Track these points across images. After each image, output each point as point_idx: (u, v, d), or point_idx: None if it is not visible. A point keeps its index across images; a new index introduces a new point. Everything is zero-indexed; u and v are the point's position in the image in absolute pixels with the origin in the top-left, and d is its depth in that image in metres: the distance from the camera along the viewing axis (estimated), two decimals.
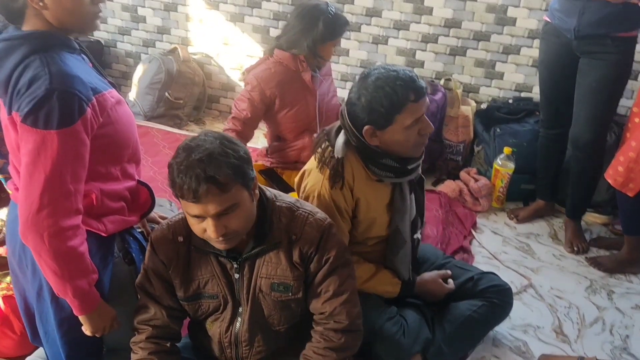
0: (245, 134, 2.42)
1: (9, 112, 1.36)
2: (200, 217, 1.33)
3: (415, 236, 1.89)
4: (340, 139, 1.71)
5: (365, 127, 1.64)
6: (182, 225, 1.50)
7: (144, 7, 3.75)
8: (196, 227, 1.37)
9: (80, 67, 1.43)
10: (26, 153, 1.34)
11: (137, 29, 3.85)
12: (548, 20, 2.53)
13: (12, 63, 1.35)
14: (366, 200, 1.77)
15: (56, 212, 1.34)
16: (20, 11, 1.37)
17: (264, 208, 1.47)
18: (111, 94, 1.49)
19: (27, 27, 1.38)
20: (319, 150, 1.76)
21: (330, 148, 1.72)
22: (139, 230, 1.78)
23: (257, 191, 1.43)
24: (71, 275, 1.40)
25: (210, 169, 1.27)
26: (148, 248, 1.55)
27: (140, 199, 1.67)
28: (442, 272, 2.03)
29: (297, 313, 1.56)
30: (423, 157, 1.77)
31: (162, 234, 1.51)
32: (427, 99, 1.65)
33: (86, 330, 1.52)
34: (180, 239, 1.49)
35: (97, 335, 1.53)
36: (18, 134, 1.36)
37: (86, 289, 1.44)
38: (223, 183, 1.28)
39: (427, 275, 2.00)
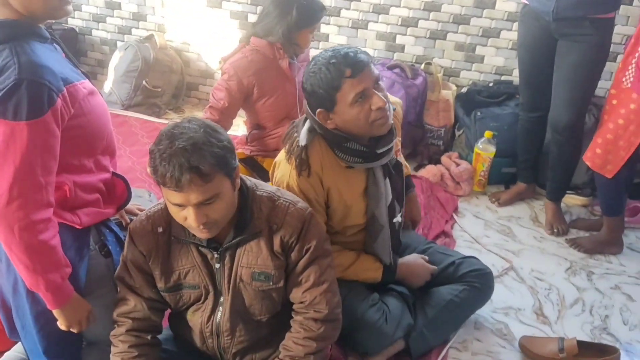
0: (224, 123, 2.38)
1: None
2: (182, 206, 1.32)
3: (394, 220, 1.87)
4: (305, 127, 1.71)
5: (317, 111, 1.65)
6: (161, 216, 1.48)
7: None
8: (177, 215, 1.36)
9: (51, 56, 1.40)
10: None
11: (112, 16, 3.78)
12: (526, 2, 2.52)
13: None
14: (337, 188, 1.75)
15: (26, 205, 1.32)
16: None
17: (245, 197, 1.46)
18: (83, 84, 1.46)
19: None
20: (288, 141, 1.75)
21: (297, 138, 1.72)
22: (116, 222, 1.76)
23: (238, 180, 1.42)
24: (43, 268, 1.38)
25: (194, 159, 1.25)
26: (127, 240, 1.53)
27: (117, 191, 1.65)
28: (425, 257, 2.03)
29: (278, 303, 1.55)
30: (394, 139, 1.75)
31: (141, 225, 1.49)
32: (372, 72, 1.62)
33: (61, 324, 1.50)
34: (160, 229, 1.48)
35: (72, 330, 1.51)
36: None
37: (59, 282, 1.42)
38: (206, 173, 1.27)
39: (409, 257, 2.00)
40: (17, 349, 1.76)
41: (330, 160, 1.73)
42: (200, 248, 1.47)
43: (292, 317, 1.55)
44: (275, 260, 1.47)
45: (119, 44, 3.78)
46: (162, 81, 3.56)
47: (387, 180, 1.81)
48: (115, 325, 1.57)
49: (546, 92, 2.60)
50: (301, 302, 1.52)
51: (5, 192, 1.30)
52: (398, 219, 1.91)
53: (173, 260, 1.49)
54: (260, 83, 2.37)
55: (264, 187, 1.52)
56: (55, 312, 1.47)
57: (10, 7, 1.34)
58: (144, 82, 3.46)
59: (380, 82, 1.66)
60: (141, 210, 1.96)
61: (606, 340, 2.11)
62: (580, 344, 1.96)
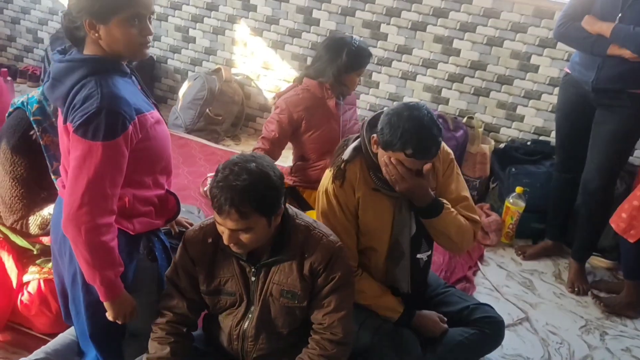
0: (274, 153, 2.64)
1: (65, 122, 1.60)
2: (221, 226, 1.57)
3: (418, 255, 2.01)
4: (352, 145, 1.93)
5: (373, 136, 1.83)
6: (212, 229, 1.70)
7: (194, 29, 4.06)
8: (219, 228, 1.60)
9: (128, 89, 1.64)
10: (74, 158, 1.57)
11: (187, 49, 4.16)
12: (568, 71, 2.68)
13: (71, 81, 1.58)
14: (367, 202, 1.92)
15: (93, 211, 1.55)
16: (82, 38, 1.60)
17: (285, 223, 1.68)
18: (152, 114, 1.69)
19: (86, 52, 1.61)
20: (337, 153, 1.98)
21: (344, 151, 1.94)
22: (165, 231, 2.00)
23: (278, 219, 1.64)
24: (101, 265, 1.60)
25: (237, 199, 1.49)
26: (180, 245, 1.76)
27: (168, 206, 1.87)
28: (441, 316, 2.12)
29: (299, 320, 1.75)
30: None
31: (195, 234, 1.74)
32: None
33: (109, 315, 1.71)
34: (210, 240, 1.71)
35: (117, 321, 1.73)
36: (69, 140, 1.60)
37: (112, 278, 1.64)
38: (244, 212, 1.50)
39: (427, 312, 2.10)
40: (70, 331, 2.01)
41: (364, 178, 1.91)
42: (240, 261, 1.70)
43: (310, 335, 1.74)
44: (303, 282, 1.68)
45: (190, 73, 4.15)
46: (224, 110, 3.88)
47: (412, 213, 1.95)
48: (159, 316, 1.80)
49: (580, 156, 2.74)
50: (320, 324, 1.71)
51: (78, 199, 1.55)
52: (423, 256, 2.03)
53: (217, 268, 1.72)
54: (308, 117, 2.61)
55: (303, 217, 1.74)
56: (106, 304, 1.69)
57: (99, 46, 1.60)
58: (207, 110, 3.79)
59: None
60: (190, 223, 2.22)
61: None
62: None
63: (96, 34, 1.57)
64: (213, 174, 3.16)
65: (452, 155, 2.04)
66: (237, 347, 1.78)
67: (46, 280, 2.09)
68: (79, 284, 1.75)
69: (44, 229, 2.13)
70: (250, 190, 1.50)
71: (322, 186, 1.96)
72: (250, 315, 1.72)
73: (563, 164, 2.87)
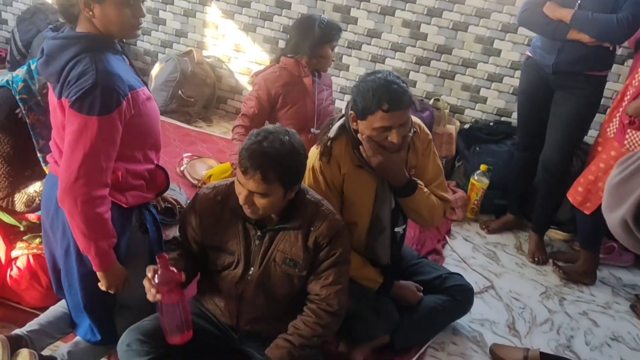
0: (252, 129, 2.72)
1: (59, 97, 1.63)
2: (240, 185, 1.66)
3: (396, 229, 2.14)
4: (338, 123, 2.02)
5: (351, 112, 1.93)
6: (224, 189, 1.82)
7: (165, 10, 4.06)
8: (237, 188, 1.69)
9: (121, 66, 1.70)
10: (70, 132, 1.61)
11: (157, 31, 4.15)
12: (530, 55, 2.84)
13: (66, 57, 1.62)
14: (351, 178, 2.02)
15: (89, 183, 1.61)
16: (76, 16, 1.65)
17: (297, 197, 1.77)
18: (143, 91, 1.75)
19: (80, 29, 1.65)
20: (323, 131, 2.08)
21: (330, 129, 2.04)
22: (154, 205, 2.07)
23: (293, 194, 1.74)
24: (96, 236, 1.66)
25: (265, 163, 1.59)
26: (190, 202, 1.87)
27: (158, 180, 1.94)
28: (418, 285, 2.28)
29: (296, 289, 1.84)
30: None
31: (206, 191, 1.84)
32: (405, 115, 1.85)
33: (102, 285, 1.78)
34: (219, 198, 1.81)
35: (110, 291, 1.79)
36: (64, 116, 1.64)
37: (106, 249, 1.70)
38: (267, 177, 1.60)
39: (404, 282, 2.26)
40: (62, 304, 2.05)
41: (349, 155, 2.01)
42: (247, 224, 1.79)
43: (306, 304, 1.84)
44: (306, 253, 1.77)
45: (160, 55, 4.15)
46: (196, 92, 3.92)
47: (391, 189, 2.05)
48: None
49: (540, 135, 2.92)
50: (317, 295, 1.81)
51: (74, 172, 1.60)
52: (400, 229, 2.17)
53: (222, 225, 1.80)
54: (285, 94, 2.72)
55: (313, 194, 1.85)
56: (99, 275, 1.76)
57: (92, 24, 1.65)
58: (179, 92, 3.82)
59: (409, 123, 1.90)
60: (175, 200, 2.29)
61: (568, 356, 2.39)
62: (543, 355, 2.24)
63: (90, 12, 1.61)
64: (189, 154, 3.23)
65: (431, 137, 2.16)
66: (233, 307, 1.86)
67: (35, 256, 2.12)
68: (72, 256, 1.80)
69: (30, 206, 2.16)
70: (279, 159, 1.61)
71: (309, 163, 2.04)
72: (249, 277, 1.80)
73: (524, 144, 3.04)
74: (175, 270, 1.66)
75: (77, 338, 1.97)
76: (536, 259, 3.00)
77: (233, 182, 1.82)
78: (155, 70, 3.91)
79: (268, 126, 1.69)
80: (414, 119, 2.14)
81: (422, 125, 2.15)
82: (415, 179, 2.05)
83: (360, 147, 1.95)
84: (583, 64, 2.64)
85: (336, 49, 3.64)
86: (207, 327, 1.92)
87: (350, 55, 3.70)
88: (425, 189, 2.07)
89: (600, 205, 2.60)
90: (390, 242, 2.14)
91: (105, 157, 1.64)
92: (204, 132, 3.77)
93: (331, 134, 2.01)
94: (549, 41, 2.69)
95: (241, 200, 1.67)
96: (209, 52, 4.07)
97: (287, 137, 1.64)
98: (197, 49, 4.01)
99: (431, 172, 2.14)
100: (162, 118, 3.75)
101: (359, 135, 1.95)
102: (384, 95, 1.80)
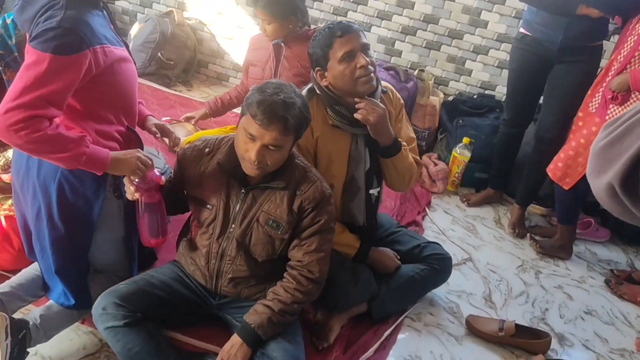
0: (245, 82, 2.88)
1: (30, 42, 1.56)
2: (253, 139, 1.62)
3: (370, 191, 2.12)
4: (307, 87, 2.03)
5: (315, 69, 1.95)
6: (214, 143, 1.81)
7: None
8: (243, 143, 1.64)
9: (96, 20, 1.61)
10: (22, 65, 1.54)
11: None
12: (526, 33, 2.76)
13: (40, 3, 1.55)
14: (325, 140, 2.01)
15: (24, 111, 1.49)
16: None
17: (287, 159, 1.75)
18: (120, 50, 1.69)
19: None
20: None
21: None
22: None
23: (293, 150, 1.74)
24: (64, 150, 1.56)
25: (288, 114, 1.59)
26: (181, 151, 1.85)
27: (131, 144, 1.87)
28: (395, 253, 2.28)
29: (277, 251, 1.82)
30: None
31: (196, 144, 1.83)
32: (361, 38, 1.89)
33: (125, 175, 1.71)
34: (207, 150, 1.80)
35: (135, 179, 1.71)
36: None
37: (87, 151, 1.60)
38: (287, 128, 1.60)
39: (382, 248, 2.26)
40: (34, 267, 1.99)
41: (322, 116, 2.00)
42: (231, 180, 1.76)
43: (287, 270, 1.82)
44: (290, 216, 1.75)
45: (139, 15, 4.02)
46: (176, 55, 3.82)
47: (367, 150, 2.05)
48: None
49: (529, 111, 2.93)
50: (299, 261, 1.79)
51: (7, 102, 1.50)
52: (374, 192, 2.15)
53: (206, 178, 1.78)
54: (252, 51, 2.81)
55: (302, 159, 1.83)
56: (111, 171, 1.69)
57: None
58: (159, 54, 3.72)
59: (369, 51, 1.92)
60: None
61: (542, 328, 2.42)
62: (518, 327, 2.27)
63: None
64: (168, 118, 3.16)
65: (402, 101, 2.17)
66: (214, 265, 1.83)
67: (7, 217, 2.05)
68: (43, 219, 1.75)
69: (7, 170, 2.09)
70: (298, 108, 1.61)
71: None
72: (230, 235, 1.78)
73: (513, 120, 3.01)
74: (157, 173, 1.69)
75: (50, 302, 1.92)
76: (517, 231, 3.02)
77: (224, 138, 1.80)
78: (133, 30, 3.79)
79: (271, 80, 1.67)
80: (386, 83, 2.15)
81: (394, 89, 2.17)
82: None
83: (335, 107, 1.97)
84: (588, 37, 2.62)
85: (320, 15, 3.60)
86: (184, 293, 1.89)
87: None
88: (406, 146, 2.09)
89: (579, 181, 2.69)
90: (365, 204, 2.13)
91: (45, 98, 1.52)
92: (183, 96, 3.69)
93: None
94: (551, 17, 2.63)
95: (253, 156, 1.62)
96: (190, 14, 3.96)
97: (294, 90, 1.65)
98: (178, 9, 3.89)
99: (404, 136, 2.14)
100: (140, 80, 3.63)
101: (334, 75, 1.92)
102: (334, 26, 1.90)
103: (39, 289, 1.97)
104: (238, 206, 1.77)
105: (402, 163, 2.06)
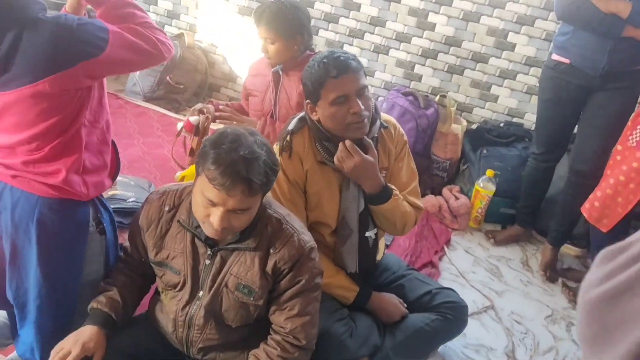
0: (245, 108, 2.62)
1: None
2: (213, 204, 1.38)
3: (366, 234, 1.90)
4: (297, 116, 1.85)
5: (306, 101, 1.78)
6: (173, 197, 1.57)
7: None
8: (202, 209, 1.41)
9: None
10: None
11: (148, 11, 3.88)
12: (564, 60, 2.49)
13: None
14: (314, 176, 1.82)
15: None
16: None
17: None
18: None
19: None
20: (284, 126, 1.89)
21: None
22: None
23: (266, 197, 1.51)
24: None
25: (252, 173, 1.34)
26: (140, 208, 1.63)
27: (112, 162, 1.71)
28: (400, 300, 2.03)
29: (253, 316, 1.59)
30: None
31: (156, 197, 1.60)
32: (358, 79, 1.70)
33: None
34: (166, 208, 1.56)
35: None
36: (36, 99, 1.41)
37: None
38: (254, 189, 1.36)
39: (386, 294, 2.02)
40: (1, 312, 1.83)
41: (311, 150, 1.81)
42: (196, 240, 1.53)
43: (270, 333, 1.59)
44: (263, 279, 1.51)
45: None
46: (186, 79, 3.67)
47: (360, 190, 1.83)
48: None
49: (563, 146, 2.67)
50: (281, 327, 1.55)
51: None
52: (371, 234, 1.92)
53: (168, 239, 1.56)
54: (251, 80, 2.55)
55: (276, 209, 1.57)
56: None
57: None
58: (168, 78, 3.57)
59: (366, 91, 1.73)
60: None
61: None
62: None
63: None
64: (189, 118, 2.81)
65: (406, 138, 1.97)
66: (181, 334, 1.61)
67: None
68: (22, 263, 1.59)
69: None
70: (263, 163, 1.36)
71: None
72: (198, 302, 1.56)
73: (545, 154, 2.73)
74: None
75: (14, 355, 1.74)
76: (548, 274, 2.72)
77: (185, 189, 1.56)
78: None
79: (222, 129, 1.42)
80: (390, 117, 1.94)
81: (397, 125, 1.96)
82: (390, 184, 1.85)
83: (324, 143, 1.78)
84: (633, 61, 2.36)
85: (337, 37, 3.40)
86: (157, 349, 1.67)
87: (351, 45, 3.42)
88: (400, 195, 1.87)
89: (618, 222, 2.39)
90: (358, 248, 1.91)
91: None
92: None
93: (290, 126, 1.83)
94: (594, 40, 2.36)
95: (217, 224, 1.38)
96: (202, 36, 3.82)
97: (256, 137, 1.40)
98: (189, 32, 3.76)
99: (404, 176, 1.94)
100: (147, 105, 3.53)
101: (322, 114, 1.76)
102: (329, 63, 1.69)
103: (4, 337, 1.82)
104: (205, 270, 1.54)
105: (392, 212, 1.84)
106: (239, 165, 1.32)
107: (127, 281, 1.65)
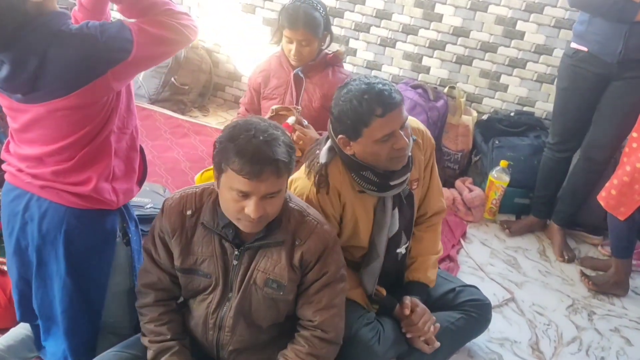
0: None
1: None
2: (246, 195, 1.37)
3: (397, 250, 1.89)
4: (326, 145, 1.75)
5: (339, 137, 1.67)
6: (193, 200, 1.54)
7: None
8: (234, 204, 1.39)
9: None
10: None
11: None
12: (582, 48, 2.47)
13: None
14: (352, 206, 1.79)
15: None
16: None
17: None
18: None
19: None
20: (310, 157, 1.79)
21: (318, 154, 1.76)
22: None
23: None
24: None
25: (277, 154, 1.35)
26: (159, 213, 1.58)
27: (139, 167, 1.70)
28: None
29: (283, 314, 1.58)
30: (409, 172, 1.76)
31: (174, 203, 1.55)
32: (403, 114, 1.63)
33: None
34: (189, 212, 1.53)
35: None
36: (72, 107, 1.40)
37: None
38: (282, 167, 1.37)
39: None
40: (23, 326, 1.82)
41: (348, 180, 1.76)
42: (223, 241, 1.52)
43: (297, 330, 1.59)
44: (291, 273, 1.51)
45: None
46: (191, 79, 3.63)
47: (396, 210, 1.82)
48: (139, 296, 1.63)
49: (580, 136, 2.66)
50: (310, 321, 1.55)
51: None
52: (401, 250, 1.91)
53: (195, 244, 1.54)
54: (264, 83, 2.42)
55: (296, 201, 1.57)
56: None
57: None
58: (172, 79, 3.54)
59: (407, 122, 1.67)
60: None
61: None
62: None
63: None
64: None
65: (433, 142, 1.94)
66: (212, 337, 1.60)
67: None
68: (48, 276, 1.59)
69: None
70: (282, 141, 1.38)
71: (301, 194, 1.77)
72: (228, 303, 1.55)
73: (562, 144, 2.72)
74: None
75: None
76: (566, 256, 2.74)
77: (204, 191, 1.54)
78: None
79: (238, 120, 1.44)
80: (417, 123, 1.89)
81: (424, 130, 1.91)
82: (422, 281, 1.96)
83: (362, 173, 1.72)
84: None
85: (342, 32, 3.37)
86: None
87: (357, 39, 3.38)
88: (432, 258, 1.99)
89: (636, 210, 2.37)
90: (388, 264, 1.90)
91: None
92: (197, 122, 3.49)
93: (322, 159, 1.73)
94: (610, 26, 2.34)
95: (254, 213, 1.38)
96: (205, 36, 3.77)
97: (264, 121, 1.43)
98: None
99: (435, 182, 1.96)
100: (153, 107, 3.50)
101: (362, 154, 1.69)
102: (373, 99, 1.58)
103: (28, 350, 1.80)
104: (234, 270, 1.53)
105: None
106: (263, 149, 1.34)
107: (174, 323, 1.61)
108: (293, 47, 2.29)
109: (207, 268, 1.54)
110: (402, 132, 1.63)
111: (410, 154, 1.73)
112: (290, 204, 1.54)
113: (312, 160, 1.77)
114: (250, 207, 1.37)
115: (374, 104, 1.57)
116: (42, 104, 1.39)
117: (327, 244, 1.52)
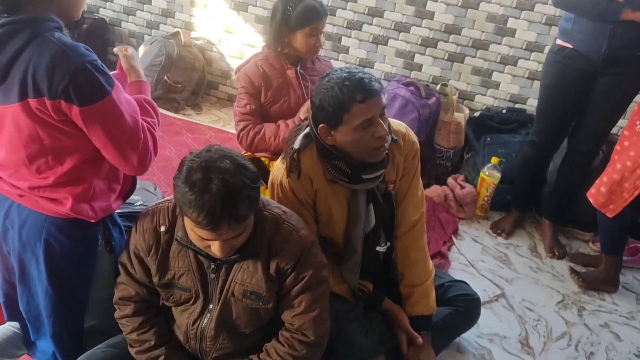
0: (261, 122, 2.40)
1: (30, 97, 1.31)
2: (209, 242, 1.35)
3: (377, 248, 1.88)
4: (303, 132, 1.76)
5: (320, 126, 1.67)
6: (166, 215, 1.50)
7: None
8: (198, 242, 1.38)
9: None
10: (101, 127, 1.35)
11: (142, 10, 3.87)
12: (567, 45, 2.46)
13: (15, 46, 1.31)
14: (325, 193, 1.79)
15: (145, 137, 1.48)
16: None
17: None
18: None
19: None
20: (288, 142, 1.81)
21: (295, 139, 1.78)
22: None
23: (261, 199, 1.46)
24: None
25: (234, 207, 1.27)
26: (133, 229, 1.55)
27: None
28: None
29: (265, 319, 1.58)
30: (383, 169, 1.74)
31: (147, 219, 1.52)
32: (382, 101, 1.63)
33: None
34: (162, 229, 1.50)
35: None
36: (34, 118, 1.34)
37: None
38: (242, 217, 1.31)
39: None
40: (11, 323, 1.81)
41: (321, 168, 1.77)
42: (199, 256, 1.49)
43: (281, 329, 1.59)
44: (268, 282, 1.50)
45: (146, 37, 3.87)
46: (183, 77, 3.64)
47: (371, 206, 1.81)
48: (117, 308, 1.62)
49: (562, 135, 2.68)
50: (290, 324, 1.55)
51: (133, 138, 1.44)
52: (382, 248, 1.90)
53: (171, 259, 1.51)
54: (267, 87, 2.38)
55: (271, 208, 1.52)
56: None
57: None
58: (165, 77, 3.55)
59: (385, 112, 1.67)
60: None
61: None
62: None
63: None
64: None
65: (417, 145, 1.89)
66: (194, 346, 1.61)
67: None
68: (31, 283, 1.58)
69: None
70: (240, 189, 1.28)
71: (275, 178, 1.78)
72: (208, 314, 1.55)
73: (543, 144, 2.71)
74: None
75: None
76: (557, 253, 2.76)
77: (175, 205, 1.48)
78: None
79: (186, 160, 1.33)
80: (399, 125, 1.86)
81: (408, 132, 1.87)
82: (426, 314, 1.94)
83: (335, 162, 1.72)
84: (635, 46, 2.33)
85: (334, 29, 3.37)
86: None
87: (349, 37, 3.39)
88: (428, 283, 1.94)
89: (625, 208, 2.38)
90: (369, 262, 1.90)
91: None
92: (190, 120, 3.50)
93: (296, 144, 1.74)
94: (594, 25, 2.34)
95: (219, 253, 1.36)
96: (198, 34, 3.78)
97: (224, 161, 1.30)
98: (185, 30, 3.72)
99: (419, 191, 1.92)
100: None
101: (333, 149, 1.70)
102: (354, 85, 1.59)
103: (16, 348, 1.80)
104: (213, 283, 1.52)
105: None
106: (217, 205, 1.25)
107: (157, 326, 1.61)
108: (315, 39, 2.29)
109: (185, 282, 1.53)
110: (382, 120, 1.63)
111: (387, 152, 1.72)
112: (265, 212, 1.49)
113: (289, 145, 1.78)
114: (214, 247, 1.36)
115: (354, 90, 1.58)
116: (7, 106, 1.35)
117: (304, 249, 1.49)
